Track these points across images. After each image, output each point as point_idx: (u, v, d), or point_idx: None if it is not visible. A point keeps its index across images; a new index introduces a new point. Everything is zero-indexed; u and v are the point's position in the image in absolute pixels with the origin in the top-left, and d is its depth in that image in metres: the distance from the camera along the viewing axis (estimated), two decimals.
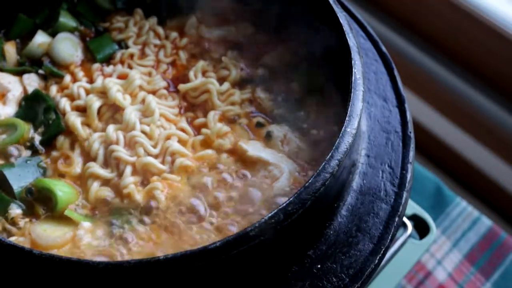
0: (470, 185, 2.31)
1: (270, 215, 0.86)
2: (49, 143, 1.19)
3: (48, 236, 1.03)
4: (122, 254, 1.02)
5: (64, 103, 1.23)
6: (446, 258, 1.65)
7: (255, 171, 1.12)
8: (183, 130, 1.20)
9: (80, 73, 1.29)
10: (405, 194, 1.08)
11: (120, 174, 1.13)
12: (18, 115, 1.22)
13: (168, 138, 1.18)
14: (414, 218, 1.37)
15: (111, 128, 1.18)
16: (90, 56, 1.33)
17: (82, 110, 1.23)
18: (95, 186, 1.12)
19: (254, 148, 1.14)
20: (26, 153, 1.16)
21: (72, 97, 1.25)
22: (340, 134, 0.95)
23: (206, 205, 1.08)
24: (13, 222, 1.07)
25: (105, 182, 1.13)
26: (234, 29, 1.37)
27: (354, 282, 0.97)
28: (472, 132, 2.26)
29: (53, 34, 1.33)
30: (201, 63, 1.30)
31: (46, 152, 1.18)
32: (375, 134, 1.17)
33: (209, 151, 1.15)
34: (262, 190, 1.08)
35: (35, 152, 1.17)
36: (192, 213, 1.06)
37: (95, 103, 1.21)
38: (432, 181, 1.79)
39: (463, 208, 1.74)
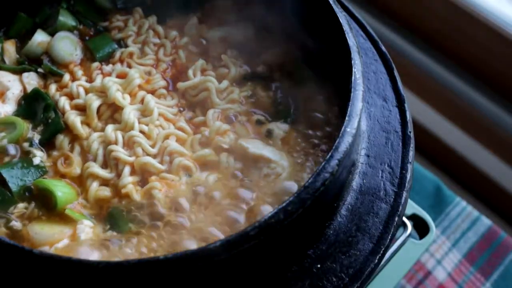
0: (470, 185, 2.31)
1: (270, 215, 0.86)
2: (48, 142, 1.19)
3: (47, 233, 1.04)
4: (121, 253, 1.02)
5: (64, 102, 1.22)
6: (446, 258, 1.65)
7: (257, 169, 1.12)
8: (181, 129, 1.20)
9: (79, 72, 1.29)
10: (404, 194, 1.08)
11: (119, 174, 1.13)
12: (17, 113, 1.22)
13: (166, 137, 1.17)
14: (414, 218, 1.37)
15: (110, 128, 1.18)
16: (89, 55, 1.33)
17: (82, 109, 1.23)
18: (94, 186, 1.12)
19: (254, 146, 1.14)
20: (26, 153, 1.16)
21: (71, 96, 1.25)
22: (340, 134, 0.95)
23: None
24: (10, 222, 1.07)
25: (105, 182, 1.13)
26: (235, 29, 1.36)
27: (354, 281, 0.97)
28: (472, 132, 2.27)
29: (52, 33, 1.33)
30: (200, 62, 1.30)
31: (46, 151, 1.18)
32: (375, 134, 1.17)
33: (208, 150, 1.15)
34: (266, 188, 1.08)
35: (35, 151, 1.17)
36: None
37: (95, 102, 1.21)
38: (431, 181, 1.79)
39: (462, 208, 1.74)
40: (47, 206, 1.09)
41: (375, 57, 1.30)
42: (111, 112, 1.23)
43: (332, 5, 1.14)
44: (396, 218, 1.05)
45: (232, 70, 1.28)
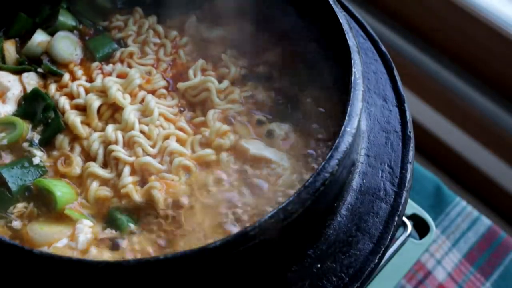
0: (470, 185, 2.31)
1: (270, 214, 0.86)
2: (48, 142, 1.19)
3: (46, 233, 1.04)
4: (121, 253, 1.02)
5: (64, 102, 1.22)
6: (446, 257, 1.65)
7: (258, 169, 1.12)
8: (182, 129, 1.20)
9: (79, 72, 1.29)
10: (404, 194, 1.08)
11: (119, 174, 1.13)
12: (17, 113, 1.22)
13: (166, 137, 1.17)
14: (414, 217, 1.37)
15: (110, 128, 1.18)
16: (89, 55, 1.33)
17: (82, 109, 1.22)
18: (94, 185, 1.11)
19: (255, 147, 1.14)
20: (26, 153, 1.16)
21: (71, 96, 1.24)
22: (340, 134, 0.95)
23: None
24: (10, 221, 1.07)
25: (104, 181, 1.13)
26: (234, 28, 1.36)
27: (354, 281, 0.97)
28: (472, 132, 2.27)
29: (52, 33, 1.33)
30: (200, 62, 1.30)
31: (46, 151, 1.18)
32: (374, 133, 1.17)
33: (209, 150, 1.15)
34: (266, 188, 1.08)
35: (34, 151, 1.17)
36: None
37: (95, 102, 1.21)
38: (431, 181, 1.79)
39: (462, 207, 1.74)
40: (47, 206, 1.09)
41: (375, 57, 1.30)
42: (112, 112, 1.22)
43: (332, 5, 1.14)
44: (396, 218, 1.05)
45: (232, 70, 1.28)
